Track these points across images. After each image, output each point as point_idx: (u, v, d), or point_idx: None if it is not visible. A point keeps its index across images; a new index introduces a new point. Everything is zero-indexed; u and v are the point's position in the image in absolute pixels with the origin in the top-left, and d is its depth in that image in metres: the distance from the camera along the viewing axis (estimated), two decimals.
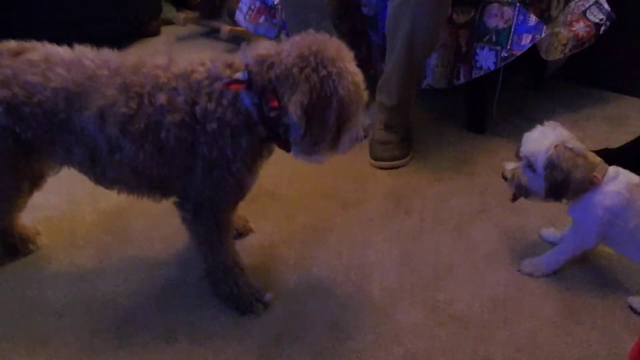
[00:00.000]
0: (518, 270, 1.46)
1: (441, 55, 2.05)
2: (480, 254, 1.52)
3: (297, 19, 2.12)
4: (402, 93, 1.93)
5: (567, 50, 2.11)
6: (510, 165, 1.42)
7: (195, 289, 1.39)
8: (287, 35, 2.37)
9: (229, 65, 1.17)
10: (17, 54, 1.20)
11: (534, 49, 1.96)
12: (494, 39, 1.92)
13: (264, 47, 1.15)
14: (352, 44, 2.22)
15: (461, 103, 2.17)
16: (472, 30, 1.97)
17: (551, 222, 1.62)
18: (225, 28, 2.96)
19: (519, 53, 1.89)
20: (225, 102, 1.13)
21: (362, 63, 2.31)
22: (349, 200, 1.73)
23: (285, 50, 1.12)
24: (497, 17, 1.92)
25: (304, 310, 1.34)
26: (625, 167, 1.38)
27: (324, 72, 1.09)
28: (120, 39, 2.94)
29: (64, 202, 1.70)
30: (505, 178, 1.42)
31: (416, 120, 2.10)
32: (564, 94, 2.38)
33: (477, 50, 1.97)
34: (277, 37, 2.47)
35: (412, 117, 2.02)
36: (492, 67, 1.94)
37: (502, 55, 1.91)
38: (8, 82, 1.16)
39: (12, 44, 1.22)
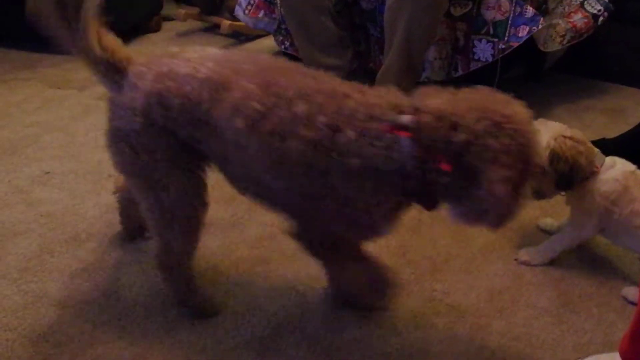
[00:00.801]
0: (515, 259, 1.48)
1: (439, 48, 2.06)
2: (477, 245, 1.54)
3: (295, 13, 2.14)
4: (400, 86, 1.93)
5: (565, 42, 2.12)
6: None
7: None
8: (287, 30, 2.38)
9: (395, 106, 1.03)
10: (176, 54, 1.16)
11: (531, 41, 1.97)
12: (491, 31, 1.93)
13: (442, 99, 1.01)
14: (351, 38, 2.26)
15: None
16: (470, 22, 1.98)
17: (548, 212, 1.63)
18: (225, 23, 2.97)
19: (516, 45, 1.90)
20: (379, 144, 1.00)
21: (361, 56, 2.35)
22: None
23: (463, 107, 0.98)
24: (495, 10, 1.93)
25: (302, 301, 1.36)
26: (621, 157, 1.40)
27: (521, 142, 0.96)
28: (121, 35, 2.95)
29: (66, 197, 1.72)
30: None
31: None
32: (562, 86, 2.38)
33: (475, 43, 1.98)
34: (276, 32, 2.49)
35: None
36: (490, 59, 1.95)
37: (499, 47, 1.92)
38: (163, 76, 1.12)
39: (175, 48, 1.19)
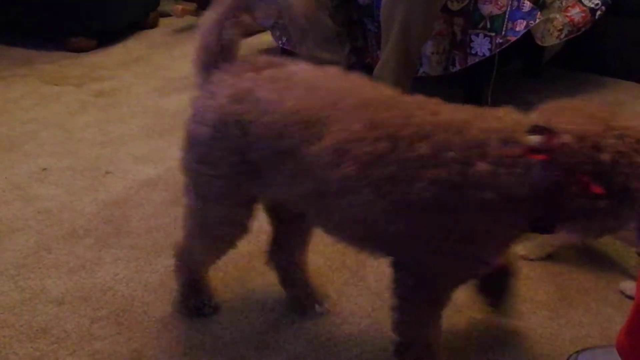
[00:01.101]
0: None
1: (436, 42, 2.06)
2: None
3: None
4: (397, 81, 1.93)
5: (562, 36, 2.11)
6: None
7: None
8: (284, 26, 2.37)
9: (521, 128, 0.94)
10: (261, 69, 1.07)
11: (529, 36, 1.97)
12: (488, 25, 1.93)
13: (571, 116, 0.94)
14: (349, 34, 2.25)
15: (457, 90, 2.18)
16: (467, 17, 1.98)
17: None
18: None
19: (513, 39, 1.89)
20: (515, 171, 0.92)
21: (358, 52, 2.34)
22: None
23: (597, 124, 0.91)
24: (492, 4, 1.93)
25: None
26: None
27: None
28: (118, 32, 2.95)
29: (63, 193, 1.72)
30: None
31: None
32: (560, 80, 2.38)
33: (472, 37, 1.98)
34: (273, 27, 2.48)
35: None
36: (487, 54, 1.95)
37: (496, 41, 1.92)
38: (242, 95, 1.04)
39: (262, 59, 1.11)
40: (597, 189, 0.90)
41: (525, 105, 2.20)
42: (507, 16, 1.90)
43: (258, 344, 1.23)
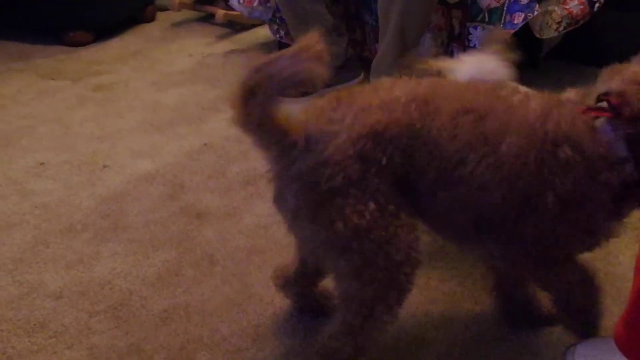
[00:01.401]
0: None
1: (435, 36, 2.06)
2: None
3: (290, 2, 2.12)
4: (395, 75, 1.93)
5: (561, 29, 2.10)
6: None
7: (191, 270, 1.41)
8: (282, 19, 2.37)
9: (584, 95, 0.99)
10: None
11: (527, 28, 1.96)
12: (486, 18, 1.92)
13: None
14: (347, 26, 2.24)
15: None
16: (465, 10, 1.97)
17: None
18: (220, 12, 2.95)
19: (511, 32, 1.89)
20: (581, 126, 0.94)
21: (356, 45, 2.33)
22: None
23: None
24: None
25: None
26: None
27: None
28: (115, 26, 2.94)
29: (60, 187, 1.72)
30: None
31: None
32: (560, 73, 2.37)
33: (471, 30, 1.97)
34: (271, 21, 2.48)
35: None
36: None
37: None
38: (365, 110, 0.96)
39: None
40: None
41: None
42: (505, 9, 1.89)
43: (256, 338, 1.23)
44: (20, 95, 2.32)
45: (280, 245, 1.48)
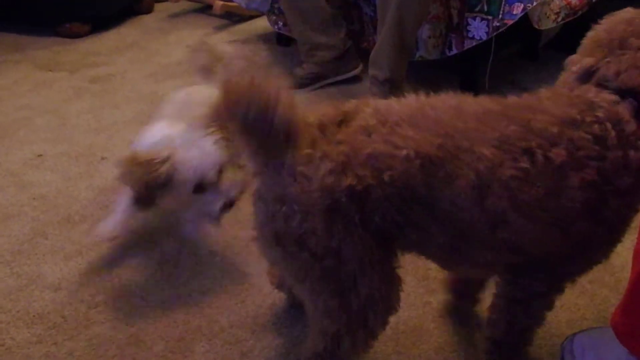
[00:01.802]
0: None
1: (433, 26, 2.05)
2: None
3: None
4: (393, 66, 1.93)
5: (559, 19, 2.10)
6: None
7: (190, 262, 1.41)
8: (280, 10, 2.35)
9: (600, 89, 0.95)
10: (341, 122, 0.90)
11: (526, 19, 1.95)
12: (485, 8, 1.92)
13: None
14: (345, 17, 2.23)
15: (454, 74, 2.17)
16: (464, 0, 1.97)
17: None
18: (218, 4, 2.94)
19: (510, 22, 1.88)
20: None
21: (354, 36, 2.32)
22: None
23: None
24: None
25: None
26: None
27: None
28: (112, 17, 2.92)
29: (59, 179, 1.71)
30: None
31: (409, 93, 2.10)
32: (557, 64, 2.35)
33: (469, 21, 1.97)
34: (269, 12, 2.46)
35: (405, 90, 2.01)
36: (484, 37, 1.94)
37: (494, 25, 1.91)
38: (348, 163, 0.85)
39: (330, 111, 0.92)
40: None
41: (521, 88, 2.20)
42: None
43: (254, 328, 1.24)
44: (17, 86, 2.31)
45: None
